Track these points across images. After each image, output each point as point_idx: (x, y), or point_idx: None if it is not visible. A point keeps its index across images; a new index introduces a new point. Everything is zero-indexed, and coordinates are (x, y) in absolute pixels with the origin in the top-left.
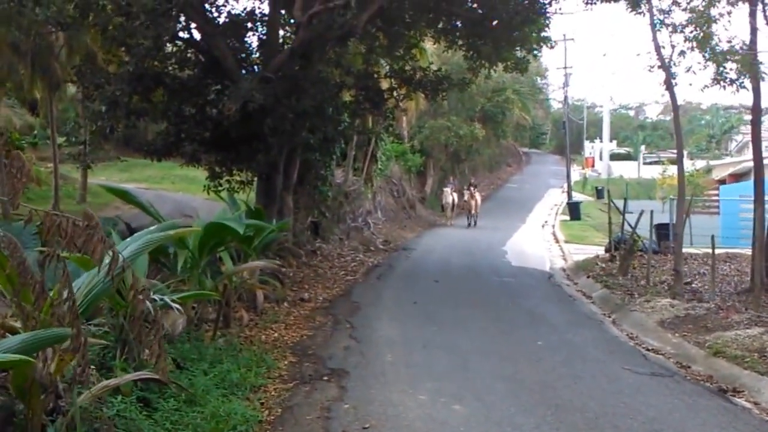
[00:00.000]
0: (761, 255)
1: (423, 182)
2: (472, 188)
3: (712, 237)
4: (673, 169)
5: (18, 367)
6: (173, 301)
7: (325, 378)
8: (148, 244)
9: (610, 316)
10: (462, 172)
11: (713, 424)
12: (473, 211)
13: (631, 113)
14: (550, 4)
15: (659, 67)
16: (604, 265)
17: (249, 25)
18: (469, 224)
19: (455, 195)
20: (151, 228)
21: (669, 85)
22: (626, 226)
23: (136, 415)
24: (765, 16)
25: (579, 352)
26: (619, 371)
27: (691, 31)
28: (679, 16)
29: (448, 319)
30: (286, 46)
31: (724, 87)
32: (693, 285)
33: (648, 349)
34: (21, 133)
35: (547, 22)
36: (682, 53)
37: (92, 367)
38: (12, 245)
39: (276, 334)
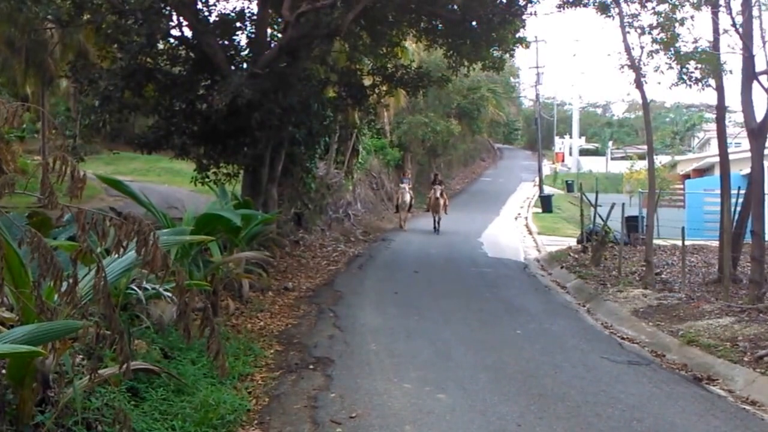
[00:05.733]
0: (728, 247)
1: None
2: (439, 185)
3: (683, 229)
4: (639, 164)
5: (19, 357)
6: (165, 290)
7: (311, 367)
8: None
9: (584, 306)
10: (438, 166)
11: (691, 412)
12: (441, 213)
13: (599, 111)
14: (525, 6)
15: (629, 67)
16: (576, 256)
17: (238, 23)
18: (435, 228)
19: (411, 194)
20: (164, 231)
21: (639, 84)
22: (597, 219)
23: (124, 405)
24: (731, 17)
25: (557, 341)
26: (598, 360)
27: (658, 33)
28: (647, 19)
29: (429, 308)
30: (273, 44)
31: (690, 86)
32: (663, 275)
33: (623, 338)
34: (11, 127)
35: (523, 23)
36: (650, 54)
37: (81, 356)
38: (36, 239)
39: (262, 323)
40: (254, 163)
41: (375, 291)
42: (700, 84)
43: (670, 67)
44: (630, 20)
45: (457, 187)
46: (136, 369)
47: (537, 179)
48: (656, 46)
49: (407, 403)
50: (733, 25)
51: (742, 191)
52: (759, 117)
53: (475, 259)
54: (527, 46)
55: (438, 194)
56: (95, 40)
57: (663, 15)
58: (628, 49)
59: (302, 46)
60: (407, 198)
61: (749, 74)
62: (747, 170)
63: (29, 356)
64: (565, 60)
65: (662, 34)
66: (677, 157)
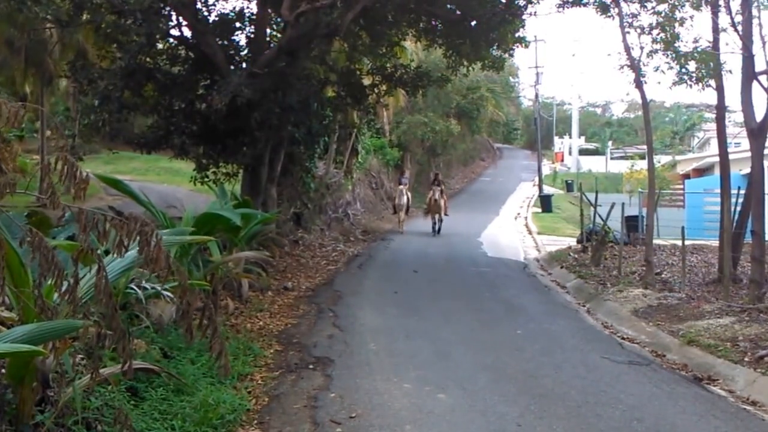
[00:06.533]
0: (729, 246)
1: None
2: (438, 186)
3: (683, 228)
4: (639, 164)
5: (19, 356)
6: (165, 290)
7: (311, 366)
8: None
9: (584, 306)
10: (437, 165)
11: (692, 412)
12: (441, 215)
13: (598, 111)
14: (525, 6)
15: (629, 66)
16: (576, 256)
17: (238, 23)
18: (435, 231)
19: (409, 194)
20: (164, 231)
21: (638, 84)
22: (597, 218)
23: (124, 404)
24: (731, 17)
25: (557, 341)
26: (598, 360)
27: (658, 33)
28: (647, 19)
29: (429, 308)
30: (273, 44)
31: (690, 86)
32: (663, 275)
33: (623, 338)
34: (11, 127)
35: (523, 23)
36: (650, 54)
37: (80, 356)
38: (38, 239)
39: (261, 323)
40: (253, 162)
41: (374, 291)
42: (700, 84)
43: (670, 67)
44: (630, 20)
45: (457, 187)
46: (136, 368)
47: (536, 179)
48: (656, 46)
49: (407, 403)
50: (733, 24)
51: (742, 191)
52: (759, 117)
53: (475, 259)
54: (527, 46)
55: (437, 195)
56: (95, 40)
57: (663, 15)
58: (627, 49)
59: (302, 46)
60: (404, 199)
61: (749, 74)
62: (747, 170)
63: (29, 356)
64: (565, 60)
65: (662, 34)
66: (677, 157)
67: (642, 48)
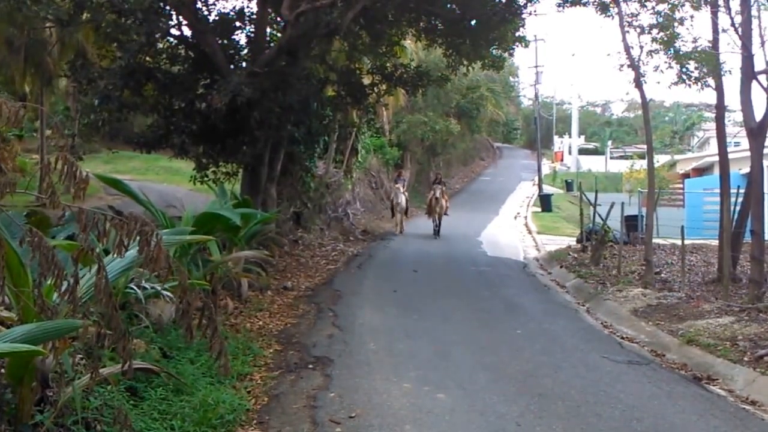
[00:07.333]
0: (728, 246)
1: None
2: (439, 185)
3: (682, 228)
4: (639, 164)
5: (18, 356)
6: (164, 289)
7: (310, 366)
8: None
9: (584, 305)
10: (437, 165)
11: (691, 412)
12: (441, 215)
13: (598, 110)
14: (525, 6)
15: (629, 66)
16: (576, 256)
17: (238, 23)
18: (435, 232)
19: (406, 194)
20: (164, 231)
21: (638, 83)
22: (597, 218)
23: (123, 404)
24: (730, 17)
25: (557, 341)
26: (597, 359)
27: (658, 33)
28: (646, 18)
29: (429, 308)
30: (273, 43)
31: (689, 85)
32: (662, 275)
33: (623, 338)
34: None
35: (523, 22)
36: (650, 53)
37: (80, 356)
38: (38, 238)
39: (261, 322)
40: (253, 162)
41: (374, 290)
42: (699, 83)
43: (670, 67)
44: (629, 20)
45: (457, 187)
46: (135, 368)
47: (536, 178)
48: (656, 46)
49: (406, 402)
50: (732, 24)
51: (742, 190)
52: (758, 116)
53: (475, 259)
54: (526, 46)
55: (438, 194)
56: (94, 40)
57: (662, 15)
58: (627, 49)
59: (302, 46)
60: (402, 200)
61: (748, 74)
62: (746, 169)
63: (29, 355)
64: (565, 59)
65: (662, 34)
66: (676, 157)
67: (642, 47)
